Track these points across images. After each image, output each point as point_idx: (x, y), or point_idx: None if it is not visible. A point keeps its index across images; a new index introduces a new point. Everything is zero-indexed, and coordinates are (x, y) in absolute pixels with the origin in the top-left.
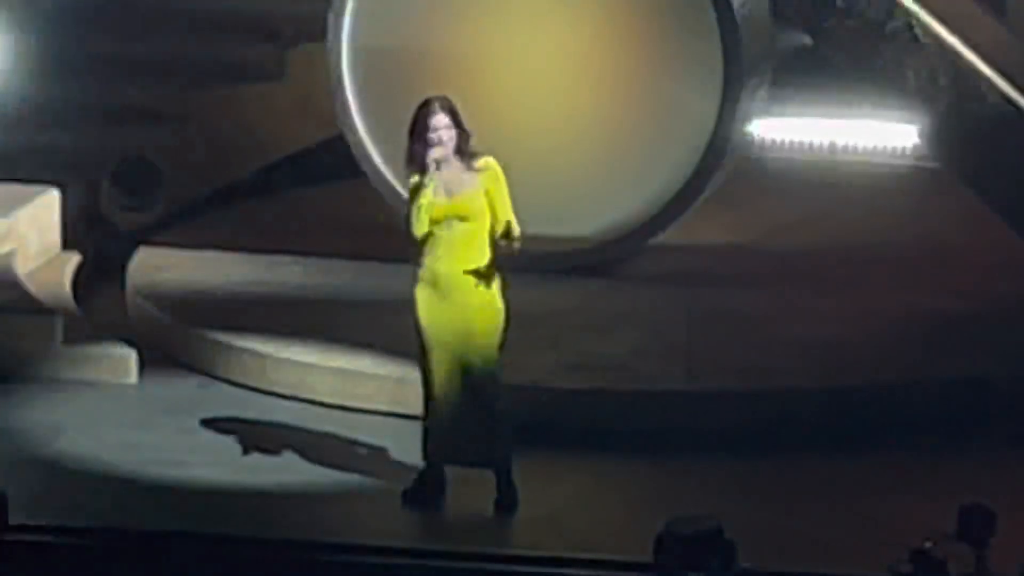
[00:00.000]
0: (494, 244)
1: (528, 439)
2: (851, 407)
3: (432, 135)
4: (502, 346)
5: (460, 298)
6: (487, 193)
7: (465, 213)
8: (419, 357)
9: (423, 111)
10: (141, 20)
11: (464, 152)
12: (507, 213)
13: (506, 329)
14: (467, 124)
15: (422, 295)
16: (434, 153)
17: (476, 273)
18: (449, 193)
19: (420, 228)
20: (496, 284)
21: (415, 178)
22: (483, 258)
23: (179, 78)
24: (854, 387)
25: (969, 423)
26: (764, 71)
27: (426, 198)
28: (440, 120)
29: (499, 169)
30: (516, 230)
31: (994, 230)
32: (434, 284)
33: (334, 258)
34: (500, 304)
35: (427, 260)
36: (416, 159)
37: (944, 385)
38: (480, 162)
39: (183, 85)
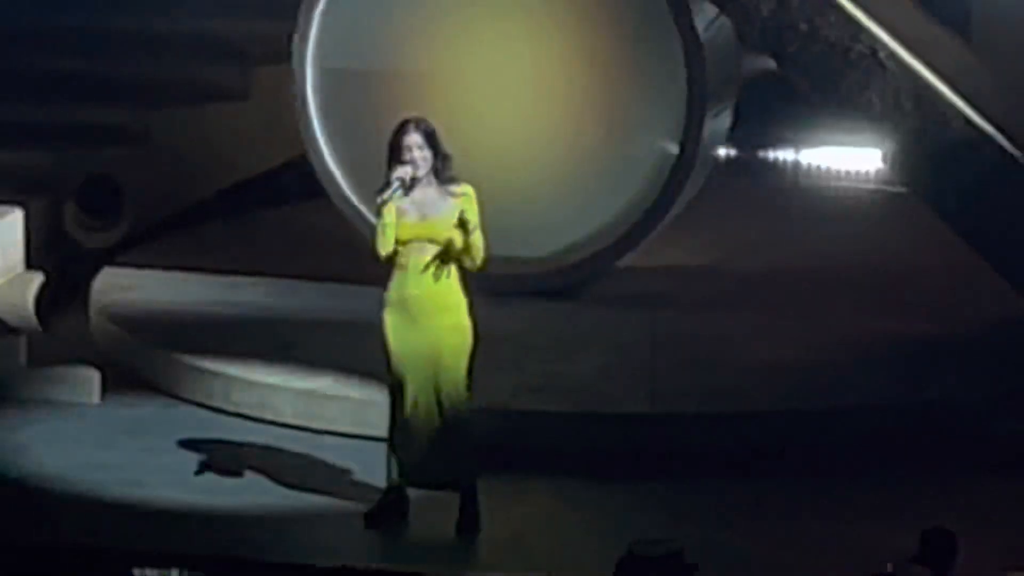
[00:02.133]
0: (461, 266)
1: (491, 461)
2: (815, 430)
3: (404, 155)
4: (471, 368)
5: (430, 321)
6: (461, 219)
7: (437, 236)
8: (387, 379)
9: (397, 131)
10: (106, 40)
11: (442, 175)
12: (477, 239)
13: (475, 351)
14: (446, 146)
15: (391, 318)
16: (398, 171)
17: (446, 295)
18: (423, 215)
19: (384, 247)
20: (465, 306)
21: (380, 197)
22: (453, 281)
23: (144, 98)
24: (818, 410)
25: (932, 446)
26: (728, 95)
27: (389, 217)
28: (412, 140)
29: (474, 196)
30: (479, 255)
31: (958, 253)
32: (403, 307)
33: (298, 279)
34: (469, 326)
35: (396, 283)
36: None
37: (907, 408)
38: (458, 188)
39: (148, 105)
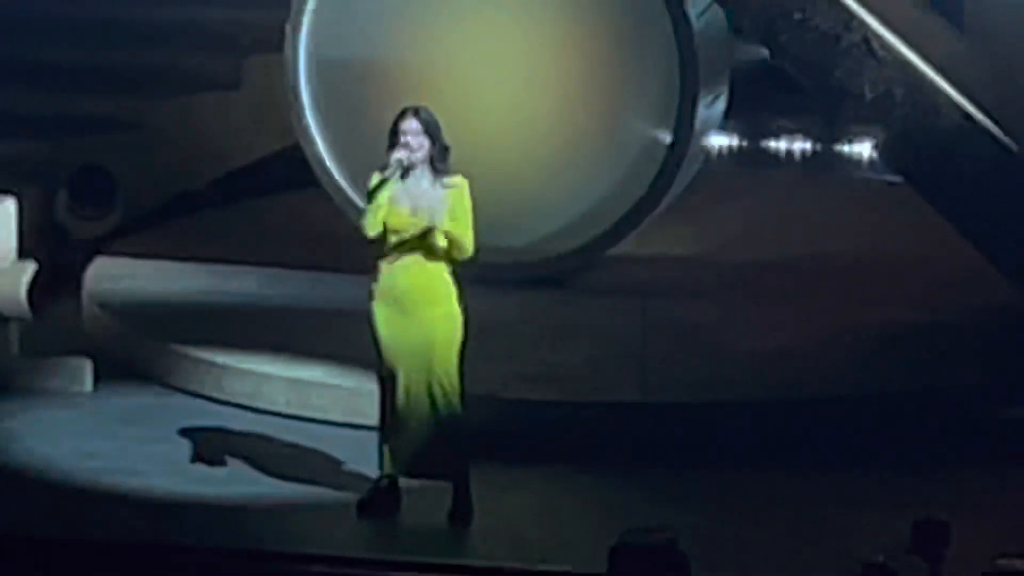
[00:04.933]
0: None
1: (483, 450)
2: (805, 419)
3: (400, 140)
4: (462, 357)
5: (421, 311)
6: (451, 211)
7: (428, 228)
8: (377, 369)
9: (397, 117)
10: (98, 29)
11: (437, 166)
12: (466, 231)
13: (465, 340)
14: (447, 139)
15: (381, 309)
16: (397, 154)
17: (437, 285)
18: (416, 206)
19: (373, 227)
20: (455, 296)
21: (376, 178)
22: (443, 271)
23: (136, 87)
24: (808, 399)
25: (923, 435)
26: (721, 84)
27: (382, 199)
28: (410, 125)
29: (467, 188)
30: (467, 248)
31: (949, 242)
32: (394, 297)
33: (290, 268)
34: (460, 316)
35: (385, 273)
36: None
37: (898, 397)
38: (451, 179)
39: (140, 94)
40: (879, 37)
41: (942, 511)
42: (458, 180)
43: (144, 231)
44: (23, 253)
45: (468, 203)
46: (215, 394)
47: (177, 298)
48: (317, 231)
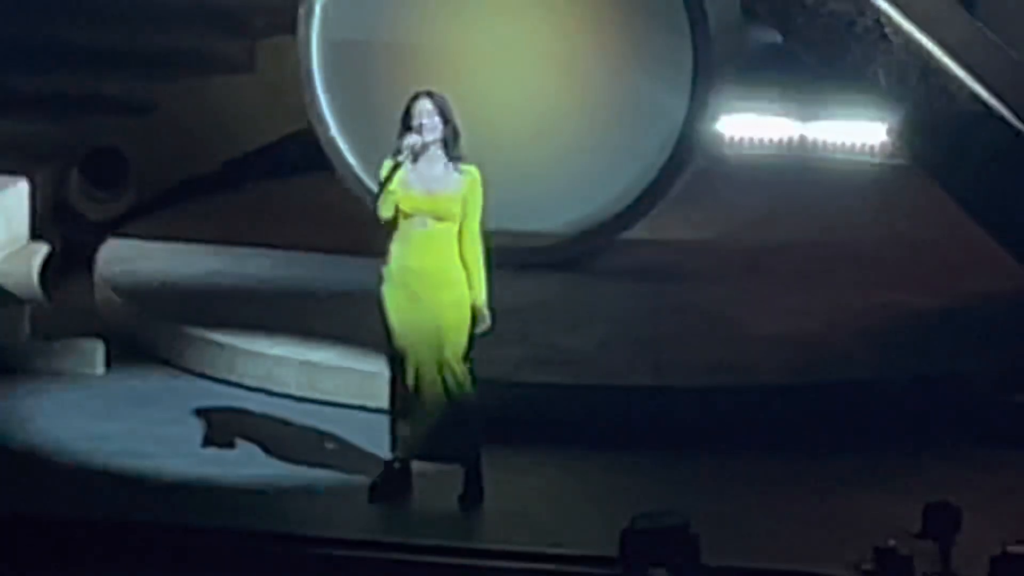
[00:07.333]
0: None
1: (495, 433)
2: (818, 403)
3: (414, 121)
4: (472, 341)
5: (431, 295)
6: (464, 199)
7: (442, 213)
8: (387, 352)
9: (411, 100)
10: (111, 10)
11: (451, 151)
12: (475, 223)
13: (476, 324)
14: (458, 124)
15: (392, 293)
16: (408, 139)
17: (448, 270)
18: (428, 189)
19: (386, 212)
20: (465, 281)
21: (388, 162)
22: (454, 256)
23: (148, 69)
24: (821, 383)
25: (936, 420)
26: (734, 68)
27: (395, 182)
28: (424, 106)
29: (479, 179)
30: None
31: (962, 227)
32: (404, 281)
33: (302, 250)
34: (469, 300)
35: (396, 257)
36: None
37: (911, 382)
38: (465, 166)
39: (153, 76)
40: (892, 22)
41: (953, 495)
42: (472, 169)
43: (156, 213)
44: (36, 235)
45: (480, 192)
46: (226, 376)
47: (189, 280)
48: (329, 214)
